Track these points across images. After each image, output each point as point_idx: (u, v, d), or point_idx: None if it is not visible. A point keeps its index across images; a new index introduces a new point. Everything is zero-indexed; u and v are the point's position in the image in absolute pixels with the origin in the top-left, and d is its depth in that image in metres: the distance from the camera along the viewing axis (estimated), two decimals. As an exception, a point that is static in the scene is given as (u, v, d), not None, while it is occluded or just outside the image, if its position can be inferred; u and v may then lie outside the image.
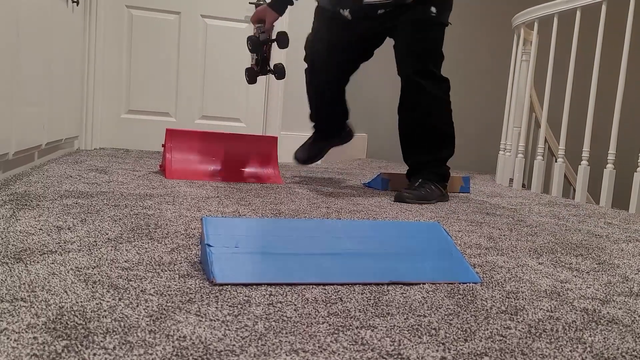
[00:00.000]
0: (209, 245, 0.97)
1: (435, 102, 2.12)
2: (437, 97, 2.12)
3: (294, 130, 3.53)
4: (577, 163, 2.78)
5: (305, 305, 0.85)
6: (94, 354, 0.63)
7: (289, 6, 2.25)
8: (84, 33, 3.06)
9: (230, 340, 0.70)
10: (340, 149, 3.91)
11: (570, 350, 0.76)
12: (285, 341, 0.71)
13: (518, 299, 0.97)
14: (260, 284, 0.93)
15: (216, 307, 0.81)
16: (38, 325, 0.70)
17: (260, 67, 2.26)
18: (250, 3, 3.45)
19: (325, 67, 2.27)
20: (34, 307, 0.75)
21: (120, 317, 0.75)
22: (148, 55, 3.35)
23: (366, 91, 4.26)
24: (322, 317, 0.81)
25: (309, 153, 2.47)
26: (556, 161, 2.96)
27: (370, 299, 0.91)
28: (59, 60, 2.42)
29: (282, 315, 0.81)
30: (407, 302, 0.91)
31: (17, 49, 1.79)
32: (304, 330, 0.75)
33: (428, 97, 2.10)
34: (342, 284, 0.97)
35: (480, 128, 4.84)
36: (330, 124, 2.46)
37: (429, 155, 2.18)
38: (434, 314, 0.86)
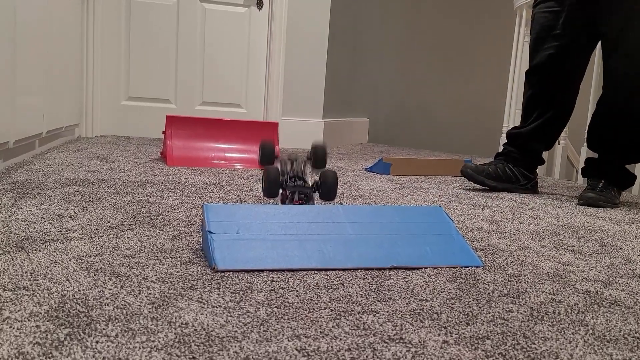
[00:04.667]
0: (210, 232, 0.97)
1: None
2: None
3: (294, 115, 3.52)
4: (580, 144, 2.77)
5: (307, 291, 0.85)
6: (97, 342, 0.63)
7: None
8: (82, 20, 3.04)
9: (232, 326, 0.70)
10: (341, 133, 3.90)
11: (573, 333, 0.76)
12: (287, 327, 0.71)
13: (520, 282, 0.97)
14: (262, 270, 0.93)
15: (218, 294, 0.81)
16: (40, 313, 0.70)
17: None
18: (249, -13, 3.41)
19: None
20: (36, 296, 0.76)
21: (122, 304, 0.75)
22: (147, 41, 3.33)
23: (367, 75, 4.24)
24: (324, 302, 0.81)
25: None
26: (559, 143, 2.95)
27: (372, 284, 0.91)
28: (58, 48, 2.40)
29: (284, 301, 0.81)
30: (409, 286, 0.91)
31: (15, 38, 1.78)
32: (306, 316, 0.75)
33: None
34: (343, 270, 0.97)
35: (483, 110, 4.82)
36: None
37: None
38: (436, 298, 0.86)
